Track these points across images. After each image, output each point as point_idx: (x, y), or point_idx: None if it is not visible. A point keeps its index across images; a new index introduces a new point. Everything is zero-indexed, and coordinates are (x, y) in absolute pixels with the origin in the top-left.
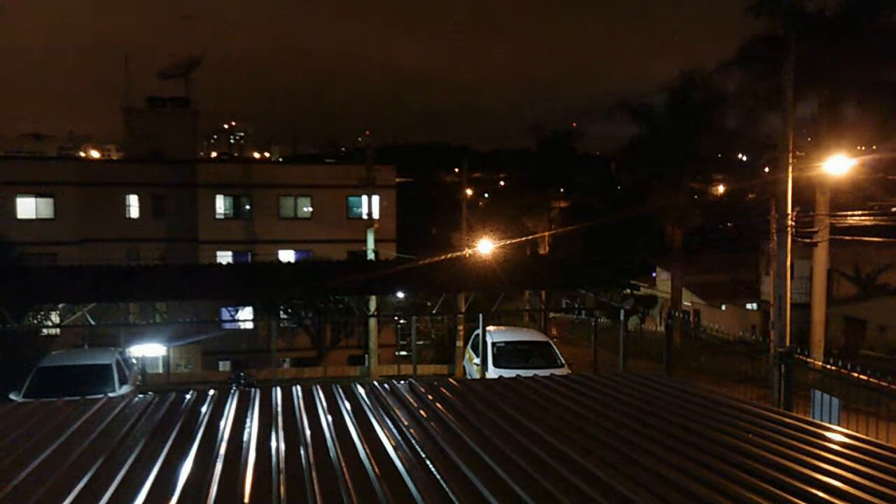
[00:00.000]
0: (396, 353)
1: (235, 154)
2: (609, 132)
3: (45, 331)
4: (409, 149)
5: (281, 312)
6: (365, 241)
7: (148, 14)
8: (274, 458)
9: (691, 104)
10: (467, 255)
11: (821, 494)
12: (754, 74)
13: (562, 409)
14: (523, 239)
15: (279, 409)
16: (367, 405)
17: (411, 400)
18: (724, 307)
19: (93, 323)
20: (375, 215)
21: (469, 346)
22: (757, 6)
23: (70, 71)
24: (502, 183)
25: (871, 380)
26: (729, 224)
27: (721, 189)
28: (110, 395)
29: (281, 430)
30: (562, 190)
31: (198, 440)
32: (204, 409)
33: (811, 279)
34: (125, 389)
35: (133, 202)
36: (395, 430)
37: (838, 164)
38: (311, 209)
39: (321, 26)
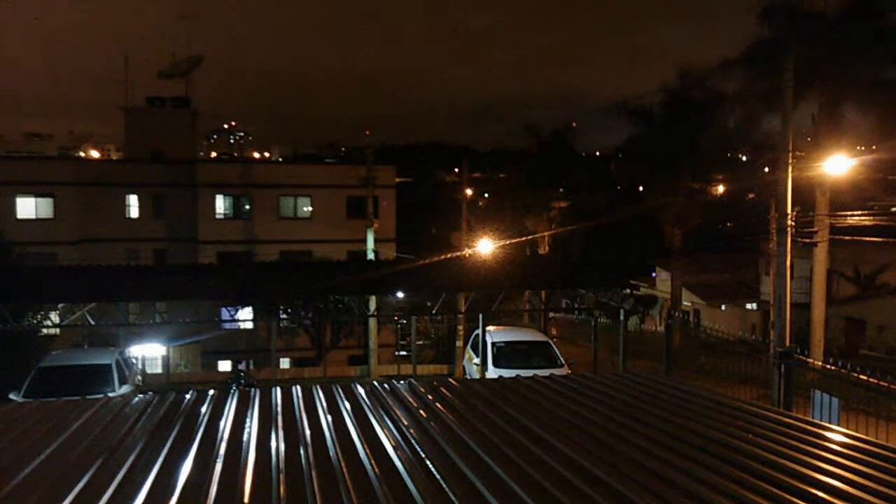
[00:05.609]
0: (396, 353)
1: (235, 154)
2: (609, 132)
3: (45, 331)
4: (409, 149)
5: (281, 312)
6: (365, 241)
7: (148, 14)
8: (274, 458)
9: (690, 104)
10: (467, 255)
11: (821, 494)
12: (754, 74)
13: (562, 408)
14: (523, 239)
15: (279, 409)
16: (367, 405)
17: (411, 400)
18: (724, 307)
19: (93, 323)
20: (375, 215)
21: (469, 346)
22: (765, 13)
23: (70, 70)
24: (502, 183)
25: (870, 380)
26: (729, 224)
27: (721, 189)
28: (110, 395)
29: (281, 430)
30: (562, 190)
31: (198, 440)
32: (204, 409)
33: (811, 279)
34: (125, 389)
35: (133, 202)
36: (395, 430)
37: (838, 164)
38: (311, 209)
39: (321, 26)
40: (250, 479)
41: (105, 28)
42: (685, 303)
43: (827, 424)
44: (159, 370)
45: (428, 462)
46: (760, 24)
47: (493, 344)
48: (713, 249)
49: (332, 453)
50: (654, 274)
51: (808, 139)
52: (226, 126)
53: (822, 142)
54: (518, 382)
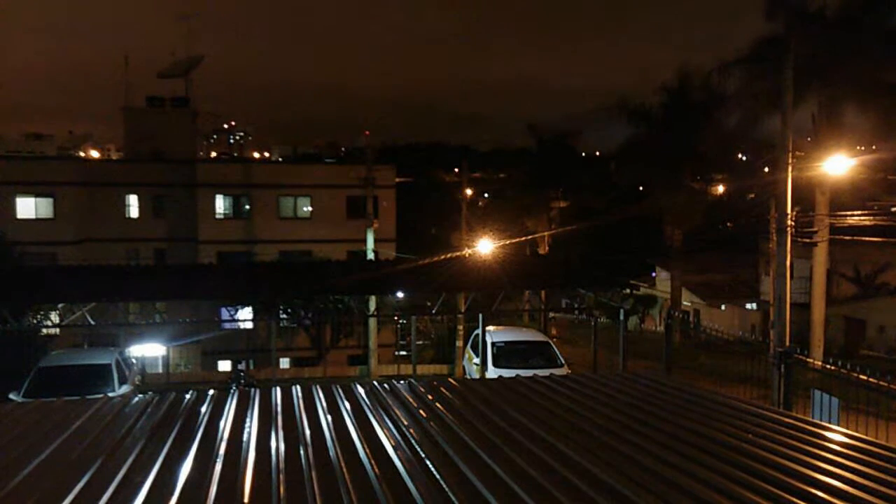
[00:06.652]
0: (396, 353)
1: (235, 154)
2: (609, 132)
3: (45, 331)
4: (409, 149)
5: (281, 312)
6: (365, 241)
7: (148, 14)
8: (274, 458)
9: (690, 104)
10: (467, 255)
11: (821, 494)
12: (754, 74)
13: (562, 408)
14: (523, 239)
15: (279, 409)
16: (367, 405)
17: (411, 400)
18: (723, 307)
19: (93, 323)
20: (375, 215)
21: (469, 346)
22: (771, 11)
23: (70, 71)
24: (502, 183)
25: (870, 380)
26: (729, 224)
27: (721, 189)
28: (110, 394)
29: (281, 430)
30: (562, 190)
31: (198, 440)
32: (204, 409)
33: (811, 279)
34: (125, 389)
35: (133, 202)
36: (395, 430)
37: (838, 164)
38: (310, 209)
39: (320, 25)
40: (250, 479)
41: (105, 28)
42: (685, 303)
43: (827, 424)
44: (159, 370)
45: (428, 462)
46: (767, 21)
47: (493, 344)
48: (713, 249)
49: (332, 453)
50: (654, 274)
51: (808, 139)
52: (226, 126)
53: (822, 142)
54: (518, 382)
